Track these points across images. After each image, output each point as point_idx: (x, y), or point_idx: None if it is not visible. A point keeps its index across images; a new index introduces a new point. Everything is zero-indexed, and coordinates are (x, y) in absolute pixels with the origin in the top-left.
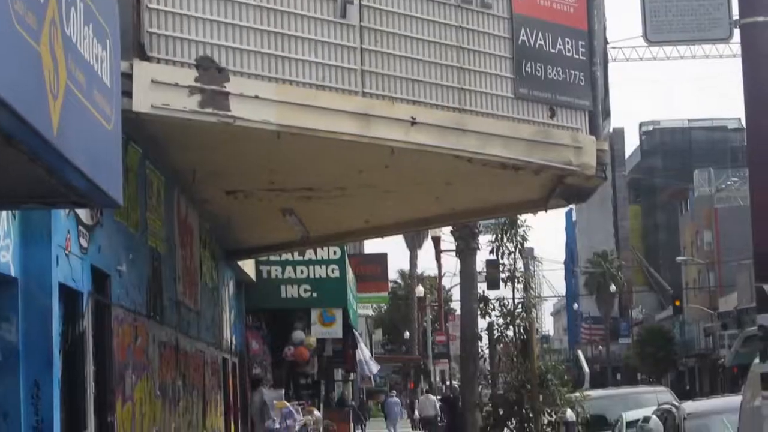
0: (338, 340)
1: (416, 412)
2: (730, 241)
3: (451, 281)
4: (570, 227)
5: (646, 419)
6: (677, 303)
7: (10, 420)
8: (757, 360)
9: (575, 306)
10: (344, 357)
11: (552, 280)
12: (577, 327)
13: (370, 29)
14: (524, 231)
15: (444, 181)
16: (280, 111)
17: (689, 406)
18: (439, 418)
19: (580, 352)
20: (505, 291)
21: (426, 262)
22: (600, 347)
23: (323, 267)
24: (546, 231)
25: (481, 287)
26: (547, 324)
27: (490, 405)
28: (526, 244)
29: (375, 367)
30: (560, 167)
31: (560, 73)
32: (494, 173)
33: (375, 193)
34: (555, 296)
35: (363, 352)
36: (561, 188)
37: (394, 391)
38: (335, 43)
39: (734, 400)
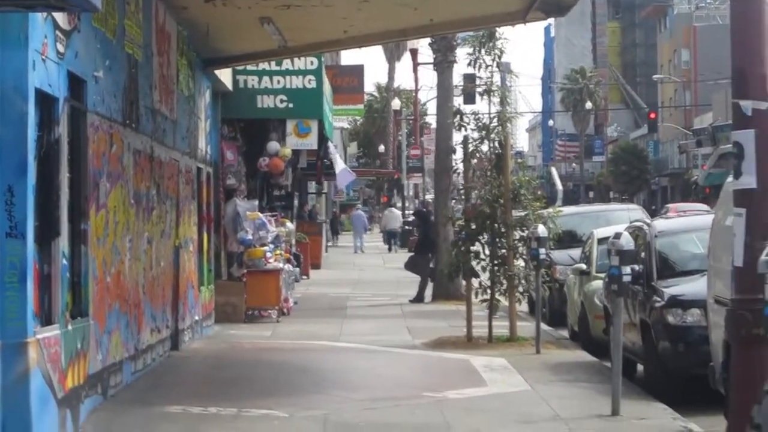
0: (313, 152)
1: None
2: (707, 60)
3: (428, 95)
4: (548, 43)
5: (617, 236)
6: (653, 116)
7: None
8: (730, 178)
9: (551, 122)
10: (317, 169)
11: (529, 97)
12: (552, 144)
13: None
14: (502, 44)
15: None
16: None
17: (660, 224)
18: (401, 231)
19: (553, 169)
20: (481, 106)
21: (404, 77)
22: (574, 165)
23: (300, 77)
24: (524, 48)
25: (458, 101)
26: (522, 140)
27: (462, 219)
28: (504, 59)
29: (347, 179)
30: None
31: None
32: None
33: (353, 2)
34: (531, 112)
35: (338, 163)
36: (540, 1)
37: (360, 205)
38: None
39: (706, 218)
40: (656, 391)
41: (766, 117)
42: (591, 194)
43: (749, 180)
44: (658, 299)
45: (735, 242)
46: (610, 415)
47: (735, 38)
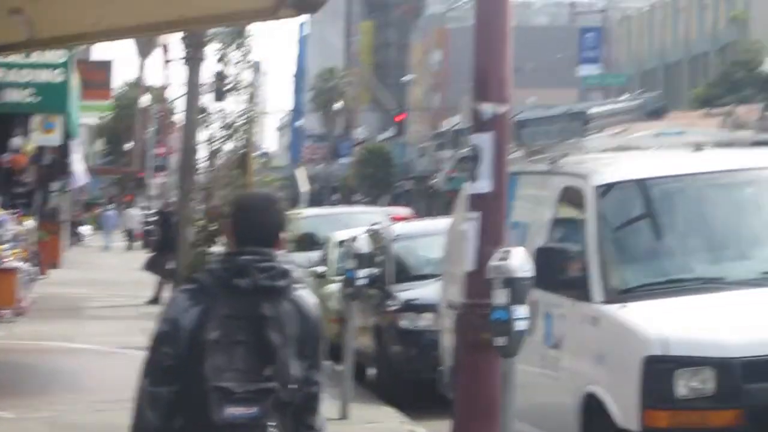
0: (57, 149)
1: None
2: (459, 62)
3: (180, 92)
4: (302, 40)
5: (355, 239)
6: (398, 118)
7: None
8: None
9: (299, 122)
10: (61, 166)
11: (283, 96)
12: (300, 144)
13: None
14: (250, 41)
15: None
16: None
17: (399, 227)
18: (143, 231)
19: (297, 171)
20: (231, 104)
21: (159, 73)
22: (322, 166)
23: (48, 71)
24: (284, 46)
25: (210, 99)
26: (272, 140)
27: (204, 220)
28: (255, 57)
29: (83, 179)
30: None
31: None
32: None
33: None
34: (278, 111)
35: (77, 162)
36: None
37: (112, 204)
38: None
39: (444, 222)
40: (387, 395)
41: (505, 120)
42: (335, 197)
43: (485, 184)
44: (393, 303)
45: (466, 246)
46: (339, 418)
47: (478, 39)
